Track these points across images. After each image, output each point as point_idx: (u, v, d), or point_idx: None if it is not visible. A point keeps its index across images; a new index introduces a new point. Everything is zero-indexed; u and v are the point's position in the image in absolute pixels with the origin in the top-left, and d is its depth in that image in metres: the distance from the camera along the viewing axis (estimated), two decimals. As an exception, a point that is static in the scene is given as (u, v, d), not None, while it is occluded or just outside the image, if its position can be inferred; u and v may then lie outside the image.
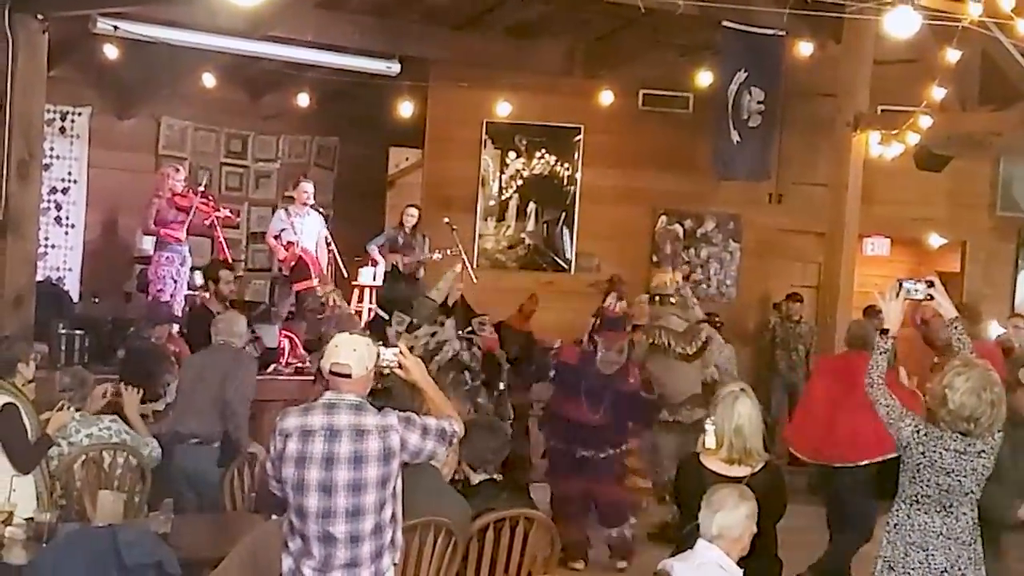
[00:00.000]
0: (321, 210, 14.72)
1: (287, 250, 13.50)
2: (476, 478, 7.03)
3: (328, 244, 14.14)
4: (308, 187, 13.99)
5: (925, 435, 5.77)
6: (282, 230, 13.60)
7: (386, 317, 9.86)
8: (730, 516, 5.51)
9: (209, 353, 9.40)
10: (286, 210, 13.90)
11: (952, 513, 5.82)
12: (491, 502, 6.75)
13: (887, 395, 5.90)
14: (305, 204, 13.85)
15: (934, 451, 5.75)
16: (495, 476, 7.09)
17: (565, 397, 10.57)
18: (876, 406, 5.92)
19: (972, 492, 5.83)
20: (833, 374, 10.36)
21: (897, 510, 5.94)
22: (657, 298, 12.06)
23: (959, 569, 5.83)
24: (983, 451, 5.78)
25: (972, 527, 5.88)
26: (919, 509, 5.86)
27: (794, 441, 10.63)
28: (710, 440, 6.34)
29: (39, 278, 11.62)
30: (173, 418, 8.98)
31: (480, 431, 6.39)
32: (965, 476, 5.76)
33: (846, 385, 9.26)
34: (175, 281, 13.26)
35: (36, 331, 10.39)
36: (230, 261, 13.97)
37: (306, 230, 13.73)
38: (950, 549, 5.82)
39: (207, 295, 11.81)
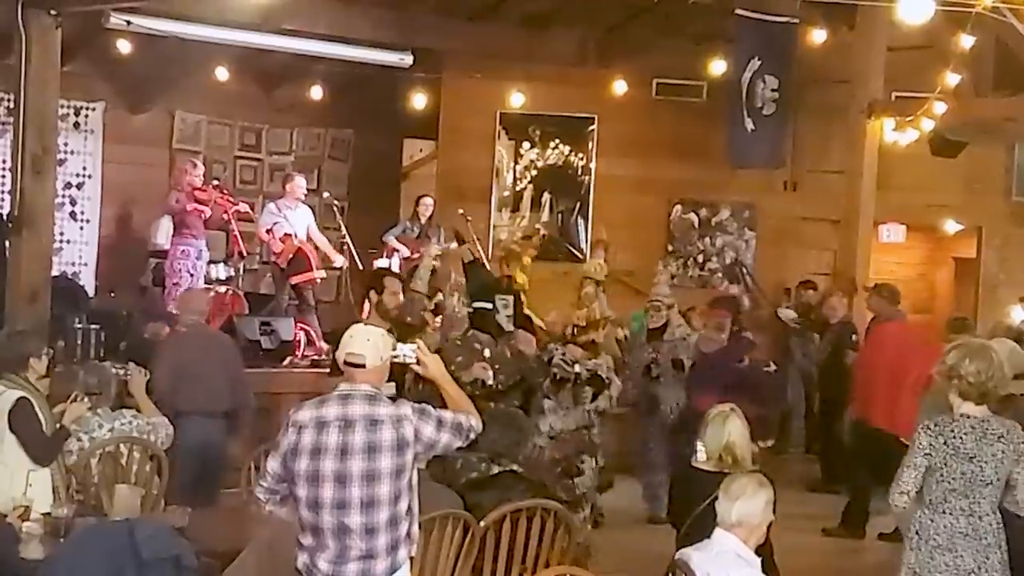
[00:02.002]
0: (337, 202, 14.72)
1: (284, 242, 13.44)
2: (495, 469, 7.03)
3: (343, 237, 14.14)
4: (301, 181, 13.93)
5: (938, 427, 5.91)
6: (275, 223, 13.56)
7: (489, 306, 9.49)
8: (749, 504, 5.51)
9: (192, 332, 9.69)
10: (276, 204, 13.84)
11: (975, 512, 5.88)
12: (508, 493, 6.76)
13: None
14: (298, 199, 13.79)
15: (955, 437, 5.85)
16: (515, 468, 7.09)
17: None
18: None
19: (992, 483, 5.86)
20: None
21: (920, 516, 6.01)
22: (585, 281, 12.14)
23: (987, 571, 5.89)
24: (1002, 436, 5.86)
25: (996, 529, 5.93)
26: (943, 511, 5.92)
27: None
28: (701, 456, 6.83)
29: (54, 273, 11.64)
30: (175, 395, 9.01)
31: (495, 424, 6.40)
32: (986, 462, 5.82)
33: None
34: (191, 275, 13.25)
35: (52, 326, 10.41)
36: (245, 254, 13.99)
37: (296, 223, 13.68)
38: (977, 551, 5.88)
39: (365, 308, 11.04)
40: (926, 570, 5.94)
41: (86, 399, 7.80)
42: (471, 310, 9.57)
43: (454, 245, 14.32)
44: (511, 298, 10.14)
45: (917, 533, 6.00)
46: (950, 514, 5.90)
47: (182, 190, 13.41)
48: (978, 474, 5.85)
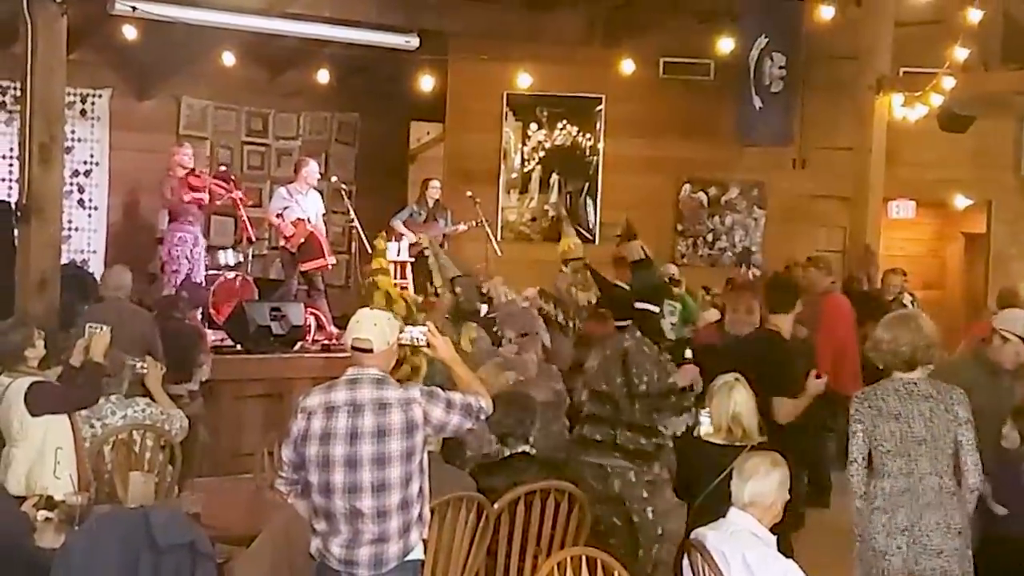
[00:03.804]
0: (344, 186, 14.69)
1: (296, 227, 13.37)
2: (507, 451, 7.03)
3: (351, 222, 14.13)
4: (314, 166, 13.84)
5: (864, 394, 6.24)
6: (285, 208, 13.49)
7: (655, 310, 8.74)
8: (762, 483, 5.51)
9: (109, 307, 9.92)
10: (287, 189, 13.77)
11: (913, 472, 6.03)
12: (522, 475, 6.75)
13: None
14: (310, 184, 13.71)
15: (879, 399, 6.13)
16: (527, 449, 7.08)
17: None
18: None
19: (926, 441, 6.01)
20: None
21: (869, 483, 6.19)
22: (567, 264, 12.01)
23: (920, 530, 6.00)
24: (930, 395, 6.05)
25: (940, 491, 6.03)
26: (883, 475, 6.10)
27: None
28: (707, 428, 6.78)
29: (63, 261, 11.61)
30: None
31: (499, 403, 6.37)
32: (913, 419, 6.02)
33: None
34: (189, 262, 13.17)
35: (61, 314, 10.40)
36: (253, 240, 13.95)
37: (308, 208, 13.64)
38: (912, 510, 6.02)
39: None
40: (867, 532, 6.12)
41: (103, 328, 7.75)
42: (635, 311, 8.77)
43: (461, 227, 14.32)
44: (679, 305, 9.60)
45: (862, 498, 6.18)
46: (889, 476, 6.07)
47: (174, 175, 13.29)
48: (907, 432, 6.03)
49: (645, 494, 7.74)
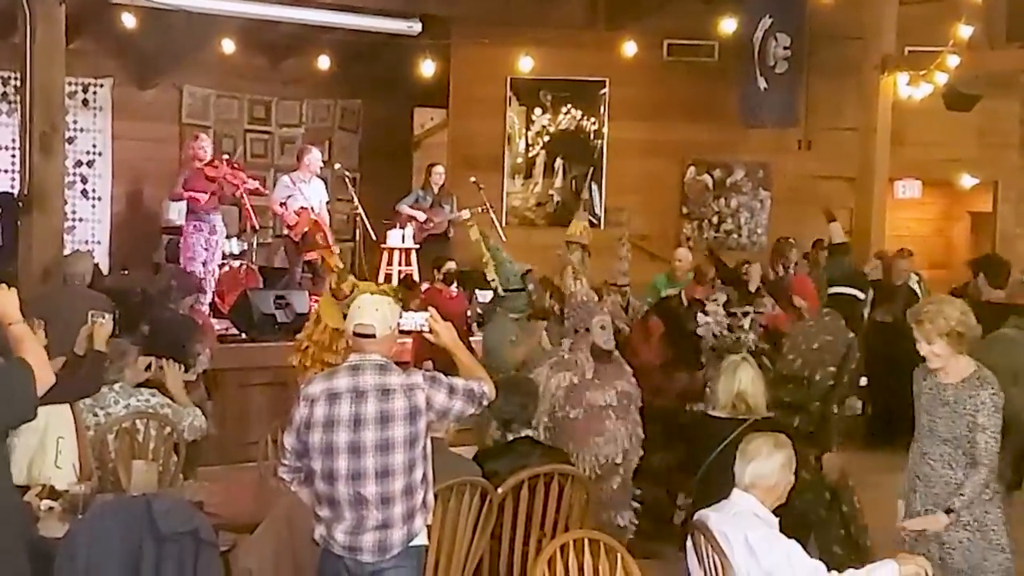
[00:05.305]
0: (348, 174, 14.67)
1: (299, 215, 13.33)
2: (511, 436, 7.01)
3: (355, 209, 14.10)
4: (317, 155, 13.80)
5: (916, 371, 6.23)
6: (288, 196, 13.45)
7: (861, 296, 8.46)
8: (763, 465, 5.48)
9: (68, 291, 9.94)
10: (290, 177, 13.74)
11: (927, 461, 6.07)
12: (525, 459, 6.74)
13: None
14: (313, 172, 13.68)
15: (917, 387, 6.19)
16: (530, 433, 7.07)
17: None
18: None
19: (948, 441, 5.98)
20: None
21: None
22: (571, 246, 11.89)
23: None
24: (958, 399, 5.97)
25: (945, 484, 6.00)
26: (913, 453, 6.21)
27: None
28: (716, 404, 7.08)
29: (67, 251, 11.60)
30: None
31: (502, 389, 6.33)
32: (940, 418, 6.00)
33: None
34: (205, 250, 13.13)
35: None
36: (257, 228, 13.92)
37: (311, 197, 13.60)
38: (926, 496, 6.08)
39: None
40: (907, 498, 6.23)
41: (106, 316, 7.69)
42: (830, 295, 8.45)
43: (466, 214, 14.29)
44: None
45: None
46: (917, 453, 6.22)
47: (191, 167, 13.23)
48: (932, 427, 6.10)
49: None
